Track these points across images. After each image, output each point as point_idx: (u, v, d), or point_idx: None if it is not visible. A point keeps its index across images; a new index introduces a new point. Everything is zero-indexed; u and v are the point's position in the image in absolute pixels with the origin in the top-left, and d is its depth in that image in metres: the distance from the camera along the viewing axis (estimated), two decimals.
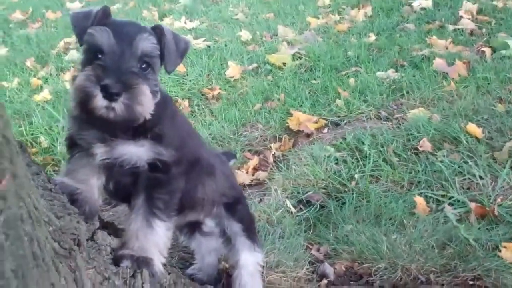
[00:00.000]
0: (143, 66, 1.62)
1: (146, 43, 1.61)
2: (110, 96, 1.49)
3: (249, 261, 2.18)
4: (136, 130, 1.67)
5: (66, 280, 1.35)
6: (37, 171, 1.69)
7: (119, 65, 1.54)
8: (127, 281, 1.62)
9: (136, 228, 1.67)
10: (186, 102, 4.32)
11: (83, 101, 1.53)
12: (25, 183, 1.20)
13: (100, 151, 1.67)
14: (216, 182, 2.06)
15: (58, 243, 1.40)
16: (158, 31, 1.68)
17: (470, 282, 2.37)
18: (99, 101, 1.50)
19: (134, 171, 1.69)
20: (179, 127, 1.88)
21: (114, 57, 1.55)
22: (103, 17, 1.64)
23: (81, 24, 1.64)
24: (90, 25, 1.61)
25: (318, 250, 2.63)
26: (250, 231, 2.22)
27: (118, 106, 1.51)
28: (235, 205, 2.21)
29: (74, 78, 1.59)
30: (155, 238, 1.68)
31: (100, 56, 1.57)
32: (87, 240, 1.60)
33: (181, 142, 1.79)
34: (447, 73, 4.29)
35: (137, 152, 1.66)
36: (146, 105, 1.57)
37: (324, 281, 2.44)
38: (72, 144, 1.77)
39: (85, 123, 1.69)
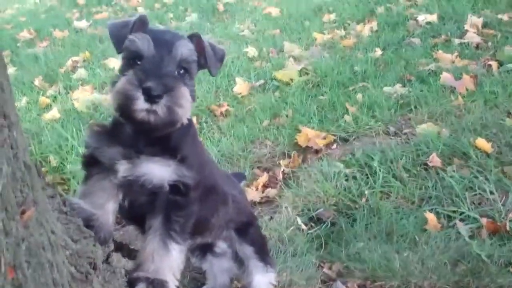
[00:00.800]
0: (181, 71, 1.65)
1: (185, 49, 1.65)
2: (151, 98, 1.51)
3: (262, 282, 2.19)
4: (162, 147, 1.67)
5: None
6: (52, 194, 1.70)
7: (159, 69, 1.57)
8: None
9: (152, 249, 1.67)
10: (194, 119, 4.34)
11: (124, 104, 1.55)
12: (44, 209, 1.21)
13: (122, 168, 1.66)
14: (228, 210, 2.07)
15: (74, 267, 1.41)
16: (195, 39, 1.73)
17: None
18: (140, 104, 1.52)
19: (153, 191, 1.69)
20: (198, 151, 1.89)
21: (154, 62, 1.58)
22: (141, 26, 1.68)
23: (119, 33, 1.69)
24: (129, 33, 1.65)
25: (330, 268, 2.61)
26: (263, 253, 2.23)
27: (160, 108, 1.52)
28: (246, 229, 2.22)
29: (113, 83, 1.61)
30: (170, 260, 1.68)
31: (139, 62, 1.60)
32: (102, 263, 1.61)
33: (200, 166, 1.79)
34: (454, 88, 4.28)
35: (160, 172, 1.66)
36: (186, 108, 1.59)
37: None
38: (90, 163, 1.77)
39: (109, 139, 1.70)
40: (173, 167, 1.66)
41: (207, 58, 1.74)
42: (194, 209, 1.75)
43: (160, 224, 1.69)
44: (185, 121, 1.63)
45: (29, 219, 0.98)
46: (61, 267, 1.24)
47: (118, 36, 1.69)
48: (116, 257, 1.68)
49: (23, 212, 0.96)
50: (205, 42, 1.76)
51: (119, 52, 1.70)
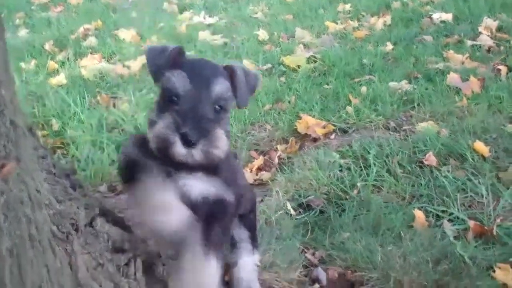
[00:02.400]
0: (217, 108, 1.69)
1: (221, 87, 1.68)
2: (189, 143, 1.57)
3: (248, 261, 2.26)
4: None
5: (61, 262, 1.40)
6: (44, 154, 1.74)
7: (196, 111, 1.61)
8: (121, 269, 1.67)
9: (191, 261, 1.67)
10: None
11: (163, 148, 1.61)
12: (29, 166, 1.25)
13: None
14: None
15: (56, 227, 1.45)
16: (229, 71, 1.75)
17: None
18: (178, 149, 1.58)
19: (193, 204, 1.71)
20: (234, 164, 1.98)
21: (190, 103, 1.62)
22: (178, 56, 1.72)
23: (156, 62, 1.72)
24: (164, 64, 1.68)
25: (313, 254, 2.65)
26: (254, 237, 2.30)
27: (197, 152, 1.59)
28: (247, 214, 2.27)
29: (152, 123, 1.66)
30: (210, 274, 1.68)
31: (175, 99, 1.64)
32: (85, 226, 1.65)
33: (236, 180, 1.87)
34: (460, 89, 4.27)
35: (203, 186, 1.71)
36: (222, 148, 1.64)
37: (316, 285, 2.45)
38: (129, 169, 1.79)
39: (148, 153, 1.71)
40: (216, 183, 1.72)
41: (237, 91, 1.75)
42: (231, 223, 1.82)
43: (200, 237, 1.69)
44: (222, 157, 1.66)
45: (9, 173, 1.02)
46: (41, 225, 1.28)
47: (155, 66, 1.73)
48: (100, 221, 1.72)
49: (2, 166, 0.99)
50: (239, 73, 1.77)
51: (154, 82, 1.75)
